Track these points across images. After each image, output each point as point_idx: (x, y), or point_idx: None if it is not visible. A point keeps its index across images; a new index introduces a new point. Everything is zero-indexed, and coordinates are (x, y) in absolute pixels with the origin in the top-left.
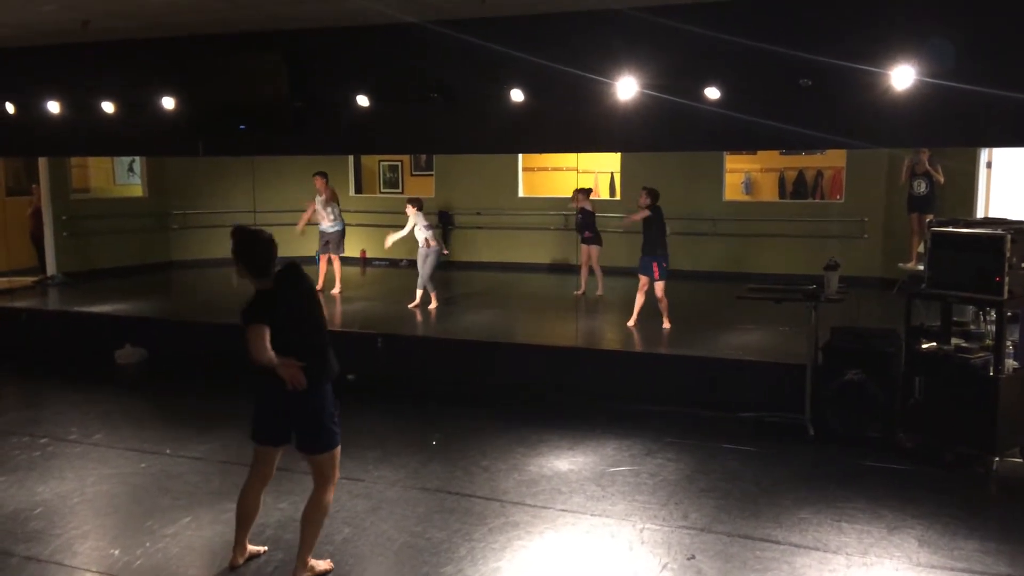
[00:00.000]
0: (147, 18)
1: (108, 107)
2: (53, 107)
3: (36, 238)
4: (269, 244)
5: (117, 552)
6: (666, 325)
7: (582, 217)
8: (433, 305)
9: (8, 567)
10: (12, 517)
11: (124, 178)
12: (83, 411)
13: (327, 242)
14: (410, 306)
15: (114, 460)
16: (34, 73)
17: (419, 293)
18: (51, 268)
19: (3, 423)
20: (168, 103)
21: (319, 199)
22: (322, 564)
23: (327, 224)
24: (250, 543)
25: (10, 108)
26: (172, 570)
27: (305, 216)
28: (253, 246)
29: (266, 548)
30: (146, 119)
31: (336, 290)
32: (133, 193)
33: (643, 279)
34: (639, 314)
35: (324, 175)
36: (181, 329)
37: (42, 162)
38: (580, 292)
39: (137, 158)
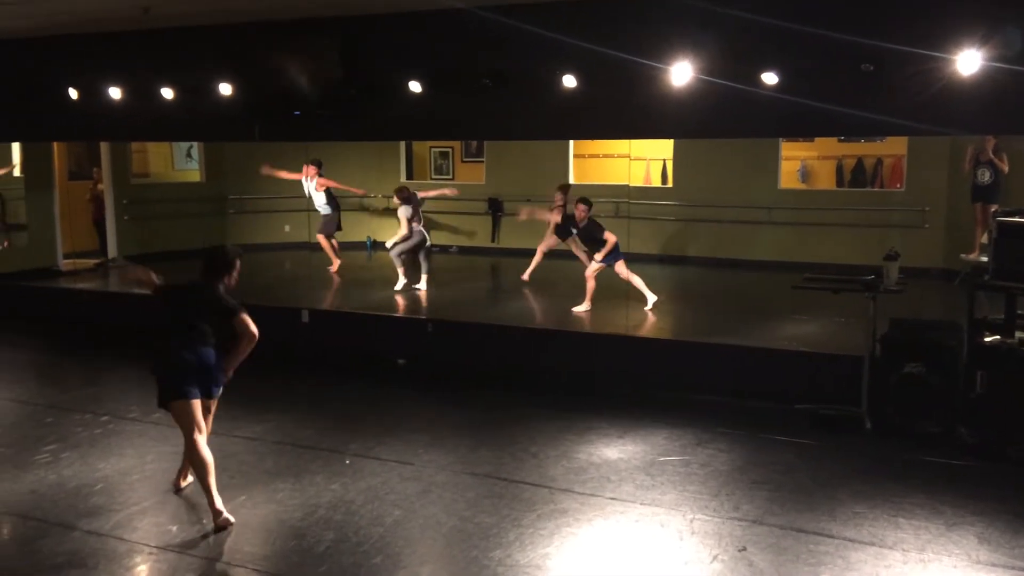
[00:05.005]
0: (206, 4)
1: (167, 93)
2: (115, 93)
3: (98, 222)
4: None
5: (175, 528)
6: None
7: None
8: (400, 284)
9: (70, 540)
10: (74, 492)
11: (182, 163)
12: (143, 390)
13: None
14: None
15: (172, 438)
16: (96, 60)
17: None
18: (112, 251)
19: (66, 400)
20: (225, 89)
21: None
22: (225, 515)
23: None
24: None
25: (73, 94)
26: (227, 547)
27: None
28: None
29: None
30: (204, 105)
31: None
32: (191, 178)
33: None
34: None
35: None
36: None
37: (104, 147)
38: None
39: (195, 143)
